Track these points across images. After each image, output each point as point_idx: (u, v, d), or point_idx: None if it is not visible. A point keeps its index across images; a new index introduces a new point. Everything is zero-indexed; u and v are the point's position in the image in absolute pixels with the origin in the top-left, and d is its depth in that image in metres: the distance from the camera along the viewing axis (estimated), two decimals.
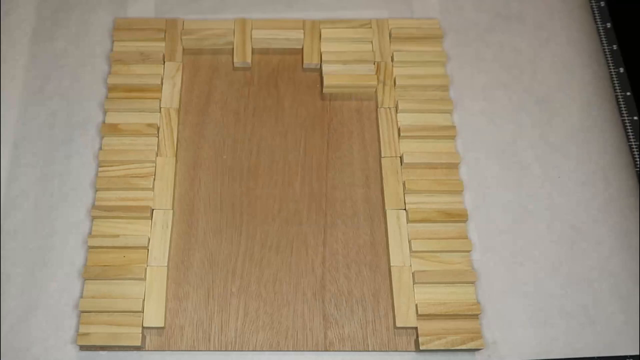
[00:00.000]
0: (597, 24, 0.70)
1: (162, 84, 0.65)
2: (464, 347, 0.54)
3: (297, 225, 0.60)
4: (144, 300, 0.56)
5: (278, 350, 0.55)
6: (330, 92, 0.65)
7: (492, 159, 0.63)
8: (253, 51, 0.67)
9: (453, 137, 0.63)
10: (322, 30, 0.68)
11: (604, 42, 0.70)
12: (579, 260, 0.59)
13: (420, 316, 0.55)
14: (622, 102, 0.67)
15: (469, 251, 0.58)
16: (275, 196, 0.61)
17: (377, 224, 0.60)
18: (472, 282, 0.57)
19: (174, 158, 0.62)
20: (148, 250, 0.57)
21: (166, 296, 0.56)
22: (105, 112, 0.63)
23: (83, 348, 0.55)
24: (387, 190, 0.60)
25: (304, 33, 0.68)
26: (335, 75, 0.65)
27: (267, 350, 0.55)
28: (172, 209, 0.60)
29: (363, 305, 0.57)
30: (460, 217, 0.59)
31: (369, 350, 0.55)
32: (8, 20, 0.69)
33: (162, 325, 0.55)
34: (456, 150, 0.63)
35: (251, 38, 0.67)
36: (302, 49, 0.67)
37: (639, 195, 0.62)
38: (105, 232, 0.58)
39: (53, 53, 0.67)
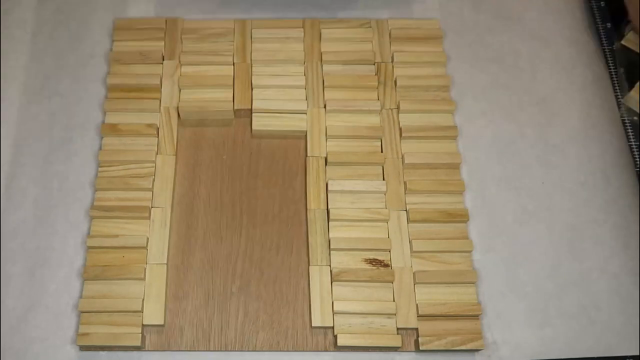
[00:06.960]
0: (597, 24, 0.70)
1: (161, 84, 0.65)
2: (463, 347, 0.54)
3: (297, 225, 0.60)
4: (143, 300, 0.55)
5: (278, 350, 0.55)
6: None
7: (493, 159, 0.63)
8: None
9: (454, 138, 0.63)
10: (322, 30, 0.68)
11: (604, 42, 0.69)
12: (579, 260, 0.59)
13: (420, 316, 0.55)
14: (622, 103, 0.67)
15: (469, 251, 0.58)
16: (275, 196, 0.61)
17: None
18: (473, 283, 0.57)
19: (174, 158, 0.62)
20: (147, 250, 0.57)
21: (166, 296, 0.56)
22: (105, 112, 0.63)
23: (83, 348, 0.55)
24: (388, 191, 0.60)
25: (304, 33, 0.68)
26: (334, 77, 0.65)
27: (267, 350, 0.55)
28: (171, 207, 0.59)
29: None
30: (461, 217, 0.59)
31: (369, 351, 0.55)
32: (8, 19, 0.69)
33: (162, 322, 0.55)
34: (457, 150, 0.63)
35: (251, 38, 0.67)
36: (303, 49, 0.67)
37: (639, 196, 0.62)
38: (105, 232, 0.58)
39: (53, 53, 0.67)
